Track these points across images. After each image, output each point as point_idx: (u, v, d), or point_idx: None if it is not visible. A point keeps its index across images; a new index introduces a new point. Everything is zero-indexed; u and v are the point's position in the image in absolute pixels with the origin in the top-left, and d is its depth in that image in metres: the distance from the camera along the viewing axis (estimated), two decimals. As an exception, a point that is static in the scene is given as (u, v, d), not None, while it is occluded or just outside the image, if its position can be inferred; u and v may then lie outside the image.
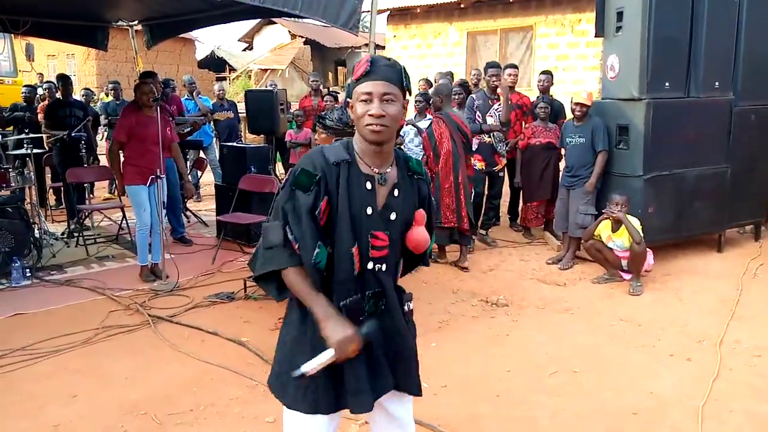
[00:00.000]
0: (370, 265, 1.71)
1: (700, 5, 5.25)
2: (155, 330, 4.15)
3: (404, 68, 1.72)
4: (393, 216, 1.74)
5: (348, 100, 1.72)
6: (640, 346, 3.88)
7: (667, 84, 5.23)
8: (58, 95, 7.22)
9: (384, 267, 1.74)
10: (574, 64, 10.87)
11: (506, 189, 6.59)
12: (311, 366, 1.63)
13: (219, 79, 21.68)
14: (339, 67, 23.88)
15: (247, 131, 9.63)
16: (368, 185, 1.69)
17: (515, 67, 6.34)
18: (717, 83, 5.48)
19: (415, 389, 1.84)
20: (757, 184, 6.01)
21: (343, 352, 1.62)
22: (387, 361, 1.75)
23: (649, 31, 5.04)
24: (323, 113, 3.35)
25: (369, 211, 1.69)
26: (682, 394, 3.28)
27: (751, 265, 5.43)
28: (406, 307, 1.83)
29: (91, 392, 3.34)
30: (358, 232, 1.68)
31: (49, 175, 7.84)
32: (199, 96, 8.63)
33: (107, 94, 12.57)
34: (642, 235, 4.78)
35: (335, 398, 1.71)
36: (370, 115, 1.63)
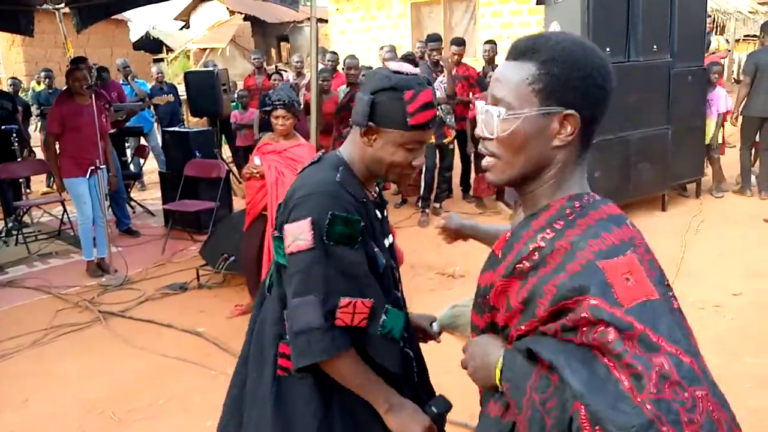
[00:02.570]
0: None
1: (637, -30, 5.34)
2: (107, 326, 4.02)
3: None
4: (387, 242, 1.49)
5: (371, 124, 1.33)
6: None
7: (608, 49, 5.30)
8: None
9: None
10: (518, 32, 10.94)
11: (457, 161, 6.62)
12: None
13: (156, 61, 20.87)
14: (282, 43, 23.35)
15: (189, 115, 9.34)
16: (378, 214, 1.45)
17: (461, 44, 6.29)
18: (655, 47, 5.62)
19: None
20: (695, 143, 6.24)
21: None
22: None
23: (588, -3, 5.10)
24: (272, 94, 3.24)
25: (387, 242, 1.47)
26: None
27: (693, 222, 5.66)
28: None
29: (45, 395, 3.23)
30: (388, 273, 1.43)
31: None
32: (135, 80, 8.27)
33: (39, 83, 11.96)
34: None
35: None
36: (412, 167, 1.37)
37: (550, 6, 5.54)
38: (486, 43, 6.64)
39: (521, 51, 0.99)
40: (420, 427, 1.32)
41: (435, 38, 6.30)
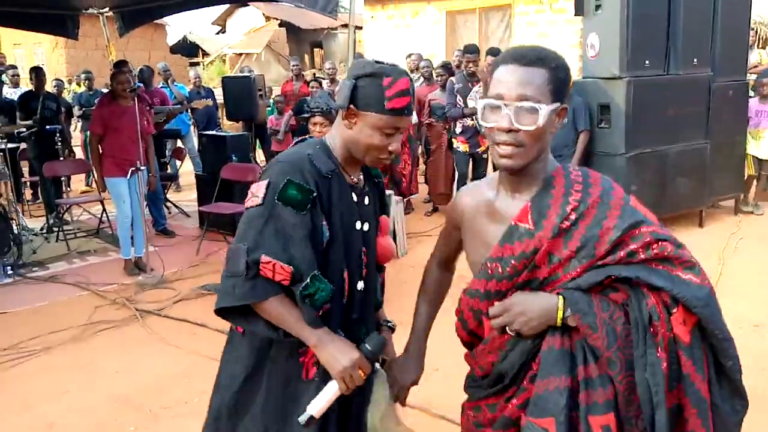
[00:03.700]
0: (360, 285, 1.55)
1: (678, -19, 5.28)
2: (143, 324, 4.11)
3: None
4: (366, 227, 1.57)
5: (351, 106, 1.43)
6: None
7: (646, 62, 5.26)
8: (31, 87, 7.03)
9: (368, 286, 1.59)
10: (554, 42, 10.87)
11: (490, 170, 6.61)
12: (319, 406, 1.41)
13: (192, 65, 21.31)
14: (315, 49, 23.61)
15: (224, 118, 9.51)
16: (354, 197, 1.53)
17: (497, 54, 6.29)
18: (695, 60, 5.53)
19: None
20: (735, 158, 6.12)
21: (351, 379, 1.40)
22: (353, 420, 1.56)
23: (628, 9, 5.05)
24: (310, 101, 3.29)
25: (358, 225, 1.54)
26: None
27: (731, 239, 5.54)
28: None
29: (84, 388, 3.32)
30: (350, 251, 1.51)
31: (25, 169, 7.66)
32: (175, 84, 8.47)
33: (79, 84, 12.31)
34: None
35: None
36: (389, 151, 1.47)
37: (589, 17, 5.50)
38: (522, 53, 6.62)
39: (533, 59, 1.23)
40: (348, 359, 1.39)
41: (472, 50, 6.31)
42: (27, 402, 3.19)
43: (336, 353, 1.40)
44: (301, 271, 1.39)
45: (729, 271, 4.78)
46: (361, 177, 1.59)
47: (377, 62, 1.46)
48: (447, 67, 6.70)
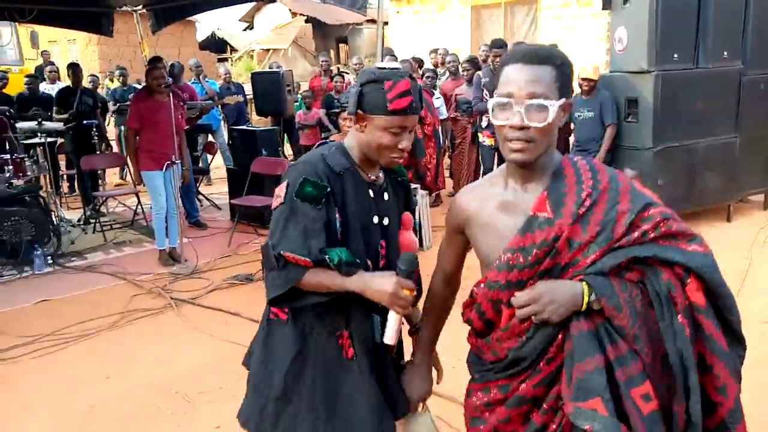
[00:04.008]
0: None
1: (708, -26, 5.23)
2: (178, 312, 4.26)
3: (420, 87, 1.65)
4: (386, 221, 1.67)
5: (359, 111, 1.55)
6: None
7: (675, 55, 5.23)
8: (69, 83, 7.25)
9: None
10: (580, 36, 10.78)
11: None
12: (390, 334, 1.55)
13: (221, 60, 21.59)
14: (341, 44, 23.71)
15: (253, 113, 9.67)
16: (371, 193, 1.63)
17: (502, 46, 6.29)
18: (725, 53, 5.48)
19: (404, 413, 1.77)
20: (765, 153, 6.04)
21: (401, 300, 1.50)
22: (391, 391, 1.67)
23: (657, 2, 5.03)
24: (341, 97, 3.38)
25: (375, 220, 1.63)
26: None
27: (760, 234, 5.48)
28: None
29: (123, 373, 3.47)
30: (368, 243, 1.61)
31: (62, 162, 7.91)
32: (206, 79, 8.64)
33: (112, 80, 12.60)
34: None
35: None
36: (399, 149, 1.56)
37: (617, 11, 5.48)
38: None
39: (540, 58, 1.30)
40: (390, 285, 1.49)
41: (499, 44, 6.33)
42: (70, 385, 3.35)
43: (378, 287, 1.51)
44: (319, 258, 1.52)
45: (757, 266, 4.74)
46: (381, 175, 1.68)
47: (380, 68, 1.56)
48: (473, 62, 6.73)
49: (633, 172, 4.90)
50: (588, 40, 10.66)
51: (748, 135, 5.77)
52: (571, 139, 6.00)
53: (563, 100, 1.31)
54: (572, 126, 5.92)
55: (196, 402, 3.15)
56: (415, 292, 1.54)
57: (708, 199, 5.75)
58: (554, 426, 1.34)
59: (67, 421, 3.01)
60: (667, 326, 1.28)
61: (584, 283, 1.30)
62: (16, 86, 9.79)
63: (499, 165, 6.32)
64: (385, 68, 1.56)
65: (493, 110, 1.32)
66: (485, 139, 6.18)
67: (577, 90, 5.76)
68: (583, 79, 5.45)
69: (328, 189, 1.54)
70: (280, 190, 1.56)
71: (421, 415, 1.73)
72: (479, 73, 6.33)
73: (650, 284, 1.30)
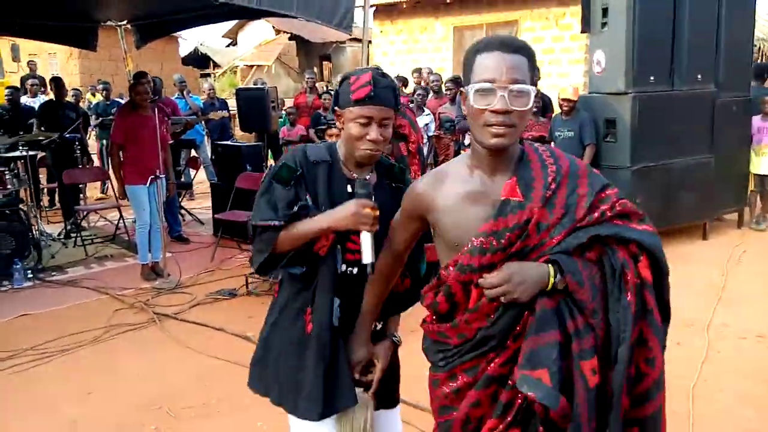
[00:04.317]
0: (343, 267, 1.73)
1: (683, 0, 5.43)
2: (161, 327, 4.24)
3: (397, 87, 1.75)
4: None
5: (336, 108, 1.70)
6: (632, 332, 4.04)
7: (652, 78, 5.40)
8: (51, 96, 7.22)
9: (356, 270, 1.74)
10: (560, 57, 11.04)
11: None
12: (367, 253, 1.63)
13: (203, 76, 21.59)
14: (324, 62, 23.88)
15: (237, 129, 9.68)
16: (349, 188, 1.72)
17: None
18: (699, 76, 5.68)
19: (388, 404, 1.89)
20: (739, 172, 6.23)
21: (366, 217, 1.60)
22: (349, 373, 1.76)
23: (633, 26, 5.21)
24: (327, 114, 3.44)
25: None
26: (672, 375, 3.38)
27: (735, 251, 5.63)
28: (374, 326, 1.83)
29: (105, 389, 3.44)
30: (338, 233, 1.69)
31: (43, 176, 7.84)
32: (190, 95, 8.66)
33: (93, 94, 12.54)
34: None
35: (298, 402, 1.73)
36: (369, 140, 1.65)
37: (595, 34, 5.65)
38: (529, 68, 6.77)
39: (517, 47, 1.37)
40: (351, 208, 1.62)
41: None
42: (50, 401, 3.30)
43: (340, 212, 1.64)
44: (286, 215, 1.67)
45: (733, 282, 4.87)
46: (368, 177, 1.75)
47: (357, 69, 1.74)
48: (457, 81, 6.87)
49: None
50: (567, 62, 10.92)
51: (722, 155, 5.95)
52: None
53: (535, 88, 1.39)
54: (552, 145, 6.05)
55: (180, 417, 3.13)
56: (377, 211, 1.62)
57: (684, 217, 5.91)
58: (519, 401, 1.39)
59: (49, 437, 2.98)
60: (615, 301, 1.36)
61: (549, 264, 1.37)
62: (-4, 99, 9.69)
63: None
64: (356, 69, 1.73)
65: (474, 96, 1.35)
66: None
67: (557, 109, 5.91)
68: (563, 100, 5.59)
69: (299, 172, 1.70)
70: (265, 176, 1.77)
71: (359, 408, 1.76)
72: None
73: (607, 261, 1.38)
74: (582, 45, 10.22)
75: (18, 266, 5.14)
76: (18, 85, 9.62)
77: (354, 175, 1.73)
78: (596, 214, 1.39)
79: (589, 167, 1.49)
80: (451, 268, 1.45)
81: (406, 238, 1.65)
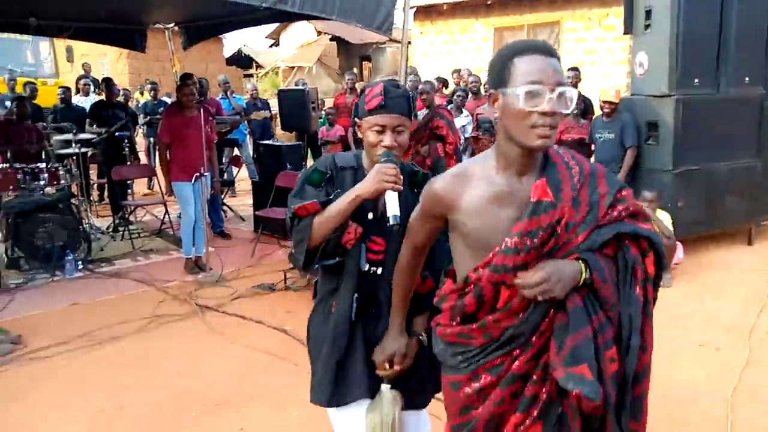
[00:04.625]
0: (366, 267, 1.84)
1: (730, 1, 5.31)
2: (203, 319, 4.39)
3: (411, 95, 1.83)
4: (391, 221, 1.80)
5: (356, 120, 1.82)
6: (670, 336, 3.99)
7: (696, 80, 5.29)
8: (102, 96, 7.52)
9: (379, 271, 1.85)
10: (602, 58, 10.88)
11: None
12: (394, 209, 1.70)
13: (246, 76, 22.03)
14: (364, 62, 24.06)
15: (278, 128, 9.87)
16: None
17: None
18: (747, 78, 5.53)
19: (418, 405, 1.96)
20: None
21: (387, 176, 1.69)
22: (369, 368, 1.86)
23: (678, 27, 5.11)
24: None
25: (370, 215, 1.83)
26: (711, 382, 3.40)
27: (781, 258, 5.48)
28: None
29: (150, 376, 3.59)
30: (363, 233, 1.80)
31: (93, 172, 8.16)
32: (234, 95, 8.87)
33: (142, 93, 12.96)
34: (672, 229, 4.87)
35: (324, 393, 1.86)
36: (384, 146, 1.75)
37: (638, 36, 5.57)
38: (569, 69, 6.72)
39: (551, 51, 1.41)
40: (374, 173, 1.72)
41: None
42: (99, 386, 3.47)
43: (366, 182, 1.73)
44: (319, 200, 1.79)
45: (778, 290, 4.75)
46: None
47: (367, 83, 1.87)
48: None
49: (652, 194, 4.93)
50: (610, 63, 10.75)
51: (769, 159, 5.79)
52: (592, 159, 6.06)
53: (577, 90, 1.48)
54: (593, 147, 5.99)
55: (219, 405, 3.25)
56: (399, 171, 1.71)
57: (729, 222, 5.77)
58: (544, 395, 1.44)
59: (95, 420, 3.13)
60: (626, 294, 1.44)
61: (581, 261, 1.42)
62: (48, 98, 10.15)
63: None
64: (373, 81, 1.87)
65: (524, 98, 1.35)
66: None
67: (597, 111, 5.84)
68: (605, 102, 5.53)
69: (328, 174, 1.83)
70: (299, 178, 1.90)
71: (388, 403, 1.83)
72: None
73: (621, 257, 1.45)
74: (626, 46, 10.05)
75: (70, 257, 5.39)
76: (72, 84, 10.03)
77: None
78: (615, 213, 1.45)
79: (605, 169, 1.54)
80: (482, 270, 1.46)
81: (424, 234, 1.67)
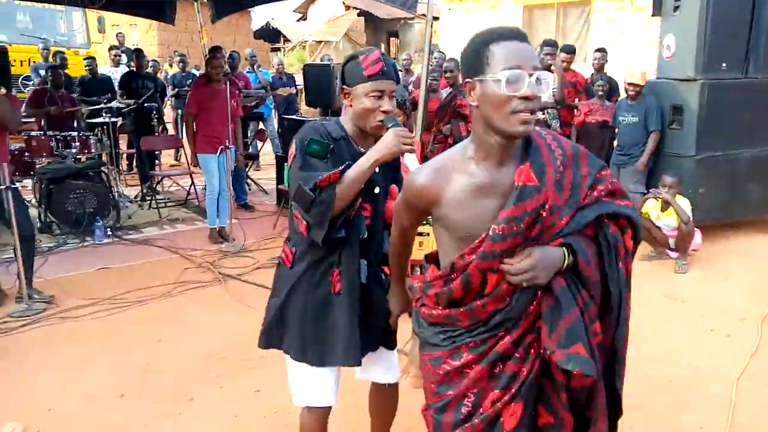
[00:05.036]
0: (365, 234, 1.94)
1: (764, -16, 5.20)
2: (225, 287, 4.55)
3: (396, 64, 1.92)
4: (377, 190, 1.95)
5: (344, 86, 1.85)
6: (682, 322, 4.03)
7: (723, 64, 5.21)
8: (133, 67, 7.66)
9: (366, 235, 1.95)
10: (633, 39, 10.69)
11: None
12: (414, 162, 1.84)
13: (273, 50, 22.07)
14: (392, 38, 23.89)
15: (303, 103, 9.95)
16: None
17: (570, 51, 6.38)
18: (777, 64, 5.42)
19: (390, 345, 2.17)
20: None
21: (405, 138, 1.79)
22: (371, 325, 2.01)
23: (708, 10, 5.03)
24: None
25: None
26: (719, 367, 3.44)
27: (803, 247, 5.43)
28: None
29: (173, 338, 3.77)
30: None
31: (122, 142, 8.35)
32: (260, 69, 8.96)
33: (171, 65, 13.11)
34: (690, 215, 4.86)
35: (332, 353, 1.96)
36: (383, 111, 1.82)
37: (667, 18, 5.50)
38: (597, 50, 6.64)
39: (525, 37, 1.41)
40: (390, 138, 1.79)
41: (550, 44, 6.40)
42: (126, 345, 3.67)
43: (382, 145, 1.80)
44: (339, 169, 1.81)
45: (796, 279, 4.73)
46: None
47: (356, 50, 1.89)
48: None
49: (672, 179, 4.92)
50: (640, 45, 10.55)
51: (796, 148, 5.69)
52: (615, 143, 6.02)
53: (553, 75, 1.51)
54: (616, 130, 5.95)
55: (240, 367, 3.41)
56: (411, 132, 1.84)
57: (751, 210, 5.71)
58: (524, 373, 1.48)
59: (124, 376, 3.32)
60: (613, 272, 1.49)
61: (562, 246, 1.45)
62: (81, 68, 10.34)
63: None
64: (359, 50, 1.88)
65: (505, 82, 1.34)
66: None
67: (623, 93, 5.80)
68: (629, 84, 5.49)
69: (331, 146, 1.84)
70: (292, 150, 1.86)
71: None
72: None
73: (602, 237, 1.48)
74: (657, 28, 9.85)
75: (99, 224, 5.59)
76: (102, 55, 10.18)
77: (362, 149, 1.90)
78: (595, 193, 1.47)
79: (584, 148, 1.54)
80: (469, 257, 1.46)
81: (410, 219, 1.68)
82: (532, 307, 1.47)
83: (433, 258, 1.67)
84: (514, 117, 1.37)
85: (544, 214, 1.43)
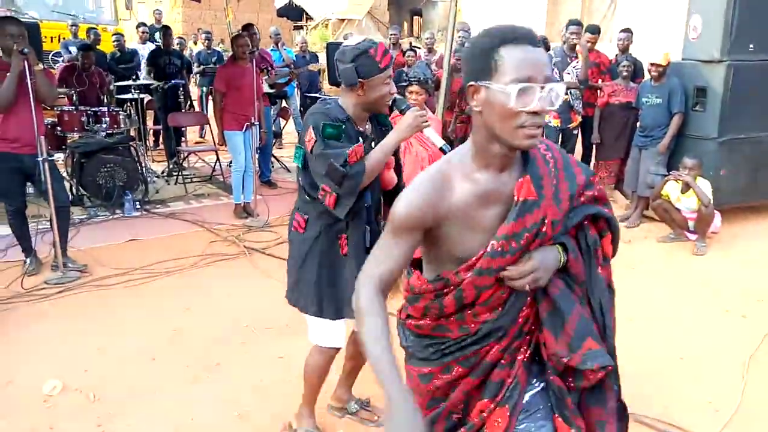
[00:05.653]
0: (369, 202, 2.20)
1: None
2: (250, 260, 4.71)
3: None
4: None
5: (361, 80, 2.03)
6: (698, 302, 4.08)
7: (751, 46, 5.16)
8: (160, 44, 7.78)
9: (369, 203, 2.22)
10: (659, 21, 10.52)
11: (578, 147, 6.69)
12: (437, 138, 2.15)
13: (296, 28, 22.07)
14: (414, 17, 23.71)
15: (325, 82, 10.03)
16: (361, 140, 2.13)
17: (595, 32, 6.35)
18: (806, 46, 5.35)
19: None
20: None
21: (421, 117, 2.09)
22: None
23: (736, -9, 4.98)
24: (409, 71, 3.63)
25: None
26: (731, 346, 3.49)
27: (824, 232, 5.40)
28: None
29: (201, 307, 3.93)
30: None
31: (150, 118, 8.53)
32: (284, 47, 9.03)
33: (195, 42, 13.24)
34: (711, 197, 4.87)
35: (348, 305, 2.12)
36: (391, 93, 2.11)
37: (694, -1, 5.44)
38: (622, 31, 6.59)
39: (538, 40, 1.30)
40: (409, 118, 2.10)
41: (576, 23, 6.37)
42: (155, 313, 3.83)
43: (403, 126, 2.11)
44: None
45: (815, 263, 4.73)
46: (368, 127, 2.21)
47: (357, 44, 2.04)
48: (543, 42, 6.78)
49: (693, 161, 4.92)
50: (667, 25, 10.38)
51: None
52: (638, 124, 6.00)
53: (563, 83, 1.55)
54: (640, 112, 5.92)
55: (263, 335, 3.57)
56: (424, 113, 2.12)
57: (773, 193, 5.69)
58: (510, 380, 1.45)
59: (154, 341, 3.49)
60: (591, 275, 1.49)
61: (557, 246, 1.43)
62: (109, 45, 10.50)
63: (562, 146, 6.37)
64: (359, 42, 2.06)
65: (516, 96, 1.24)
66: (551, 120, 6.26)
67: (646, 76, 5.77)
68: (652, 65, 5.46)
69: (344, 126, 2.07)
70: (310, 134, 2.07)
71: None
72: (551, 52, 6.38)
73: (582, 239, 1.48)
74: (685, 9, 9.69)
75: (129, 197, 5.77)
76: (129, 32, 10.31)
77: (361, 128, 2.17)
78: (582, 198, 1.47)
79: (574, 158, 1.51)
80: (464, 273, 1.38)
81: (402, 254, 1.40)
82: (522, 315, 1.44)
83: (416, 262, 1.56)
84: (521, 131, 1.28)
85: (545, 229, 1.39)
